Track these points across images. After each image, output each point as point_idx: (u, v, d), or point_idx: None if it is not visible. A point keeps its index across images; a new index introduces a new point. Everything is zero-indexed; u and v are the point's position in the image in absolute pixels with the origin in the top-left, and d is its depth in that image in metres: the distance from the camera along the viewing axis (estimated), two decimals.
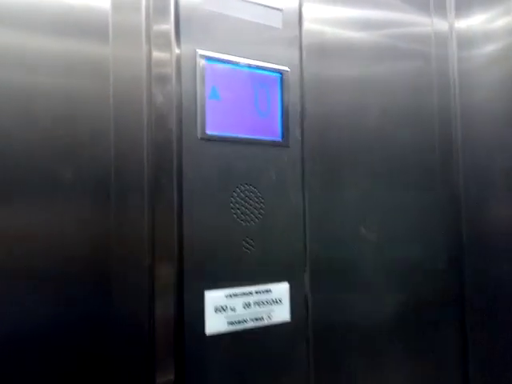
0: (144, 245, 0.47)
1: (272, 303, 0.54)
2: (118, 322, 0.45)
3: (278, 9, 0.56)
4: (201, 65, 0.49)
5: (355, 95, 0.65)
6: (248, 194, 0.53)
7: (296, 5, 0.58)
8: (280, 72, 0.56)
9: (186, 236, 0.48)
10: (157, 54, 0.48)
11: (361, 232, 0.67)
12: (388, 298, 0.68)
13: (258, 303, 0.53)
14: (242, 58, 0.53)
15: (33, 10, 0.43)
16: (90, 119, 0.45)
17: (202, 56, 0.49)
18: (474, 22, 0.77)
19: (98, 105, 0.45)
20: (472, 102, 0.76)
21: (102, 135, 0.45)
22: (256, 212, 0.53)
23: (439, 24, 0.74)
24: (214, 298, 0.49)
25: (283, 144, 0.56)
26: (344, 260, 0.64)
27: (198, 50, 0.49)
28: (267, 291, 0.54)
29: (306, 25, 0.61)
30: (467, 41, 0.76)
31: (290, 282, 0.56)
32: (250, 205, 0.53)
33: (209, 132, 0.50)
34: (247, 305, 0.52)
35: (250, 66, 0.53)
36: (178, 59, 0.49)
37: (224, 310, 0.50)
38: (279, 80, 0.56)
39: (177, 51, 0.49)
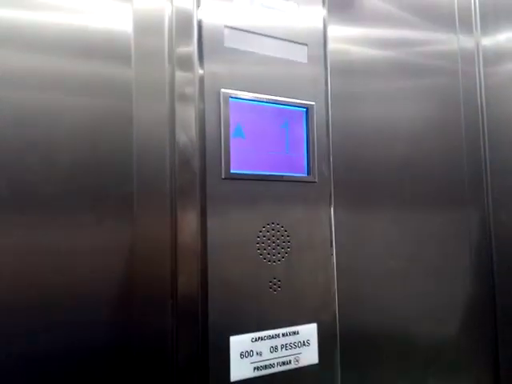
0: (167, 288, 0.46)
1: (300, 345, 0.52)
2: (139, 364, 0.44)
3: (303, 43, 0.56)
4: (225, 104, 0.49)
5: (382, 118, 0.64)
6: (274, 232, 0.51)
7: (321, 39, 0.57)
8: (305, 107, 0.55)
9: (210, 279, 0.47)
10: (181, 93, 0.48)
11: (389, 265, 0.65)
12: (420, 334, 0.65)
13: (285, 346, 0.51)
14: (266, 95, 0.52)
15: (55, 35, 0.43)
16: (112, 140, 0.45)
17: (226, 95, 0.49)
18: (500, 38, 0.78)
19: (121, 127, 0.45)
20: (499, 117, 0.75)
21: (124, 160, 0.45)
22: (283, 251, 0.52)
23: (465, 41, 0.74)
24: (239, 342, 0.48)
25: (309, 180, 0.54)
26: (374, 296, 0.61)
27: (222, 90, 0.49)
28: (294, 333, 0.52)
29: (332, 57, 0.60)
30: (493, 57, 0.76)
31: (318, 323, 0.54)
32: (277, 244, 0.51)
33: (233, 171, 0.49)
34: (274, 348, 0.50)
35: (274, 102, 0.53)
36: (202, 99, 0.48)
37: (250, 354, 0.49)
38: (304, 115, 0.55)
39: (201, 88, 0.48)
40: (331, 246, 0.56)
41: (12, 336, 0.40)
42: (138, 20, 0.47)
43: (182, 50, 0.48)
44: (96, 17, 0.46)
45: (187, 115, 0.48)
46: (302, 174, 0.54)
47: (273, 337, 0.50)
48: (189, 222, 0.47)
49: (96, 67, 0.45)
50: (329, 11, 0.60)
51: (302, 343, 0.52)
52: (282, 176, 0.52)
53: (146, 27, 0.47)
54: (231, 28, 0.50)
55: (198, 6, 0.49)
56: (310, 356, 0.53)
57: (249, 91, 0.51)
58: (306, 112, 0.55)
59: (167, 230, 0.47)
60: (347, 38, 0.63)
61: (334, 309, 0.56)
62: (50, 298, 0.41)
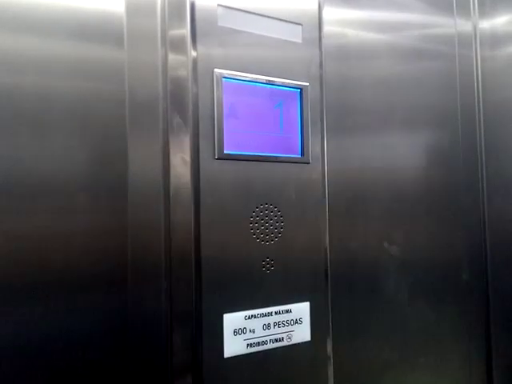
0: (161, 267, 0.46)
1: (292, 323, 0.53)
2: (135, 344, 0.45)
3: (297, 23, 0.55)
4: (218, 84, 0.49)
5: (380, 96, 0.64)
6: (267, 212, 0.52)
7: (316, 19, 0.57)
8: (299, 87, 0.55)
9: (203, 258, 0.47)
10: (173, 74, 0.48)
11: (384, 247, 0.66)
12: (412, 314, 0.66)
13: (277, 324, 0.52)
14: (260, 75, 0.52)
15: (46, 16, 0.43)
16: (104, 122, 0.45)
17: (220, 75, 0.49)
18: (498, 22, 0.77)
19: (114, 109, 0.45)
20: (495, 101, 0.75)
21: (117, 141, 0.45)
22: (276, 231, 0.52)
23: (463, 25, 0.73)
24: (232, 320, 0.49)
25: (303, 161, 0.55)
26: (366, 277, 0.62)
27: (215, 70, 0.49)
28: (287, 311, 0.53)
29: (327, 33, 0.60)
30: (491, 41, 0.76)
31: (310, 302, 0.55)
32: (270, 224, 0.52)
33: (226, 151, 0.49)
34: (267, 326, 0.51)
35: (268, 83, 0.52)
36: (195, 79, 0.48)
37: (243, 332, 0.49)
38: (299, 96, 0.55)
39: (194, 70, 0.48)
40: (324, 226, 0.57)
41: (8, 318, 0.40)
42: (130, 1, 0.47)
43: (175, 31, 0.48)
44: None
45: (181, 96, 0.48)
46: (296, 155, 0.54)
47: (265, 315, 0.51)
48: (182, 201, 0.47)
49: (88, 49, 0.45)
50: None
51: (295, 321, 0.53)
52: (276, 157, 0.53)
53: (138, 8, 0.47)
54: (225, 7, 0.50)
55: None
56: (302, 333, 0.54)
57: (243, 71, 0.51)
58: (300, 93, 0.55)
59: (161, 209, 0.47)
60: (343, 21, 0.62)
61: (327, 288, 0.57)
62: (47, 280, 0.42)
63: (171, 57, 0.48)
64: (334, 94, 0.60)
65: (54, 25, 0.43)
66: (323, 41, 0.59)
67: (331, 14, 0.61)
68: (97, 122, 0.45)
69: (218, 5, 0.49)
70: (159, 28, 0.48)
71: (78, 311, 0.43)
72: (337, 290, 0.59)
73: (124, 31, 0.46)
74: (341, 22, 0.62)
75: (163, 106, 0.47)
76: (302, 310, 0.54)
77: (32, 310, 0.41)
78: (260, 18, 0.52)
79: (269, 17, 0.53)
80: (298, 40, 0.55)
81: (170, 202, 0.47)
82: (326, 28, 0.60)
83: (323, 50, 0.58)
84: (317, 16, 0.57)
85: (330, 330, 0.57)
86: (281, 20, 0.54)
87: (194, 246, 0.47)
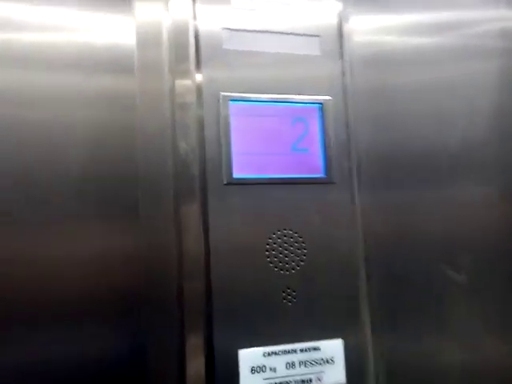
0: (172, 298, 0.45)
1: (322, 363, 0.47)
2: (147, 375, 0.43)
3: (314, 35, 0.52)
4: (224, 108, 0.47)
5: (430, 106, 0.57)
6: (286, 239, 0.48)
7: (335, 29, 0.53)
8: (319, 102, 0.51)
9: (214, 289, 0.45)
10: (180, 100, 0.47)
11: (446, 273, 0.57)
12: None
13: (303, 363, 0.47)
14: (273, 94, 0.49)
15: (63, 52, 0.45)
16: (116, 151, 0.46)
17: (226, 98, 0.47)
18: None
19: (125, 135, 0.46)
20: None
21: (129, 169, 0.45)
22: (297, 259, 0.48)
23: None
24: (249, 356, 0.45)
25: (327, 181, 0.50)
26: (418, 309, 0.54)
27: (221, 93, 0.47)
28: (315, 349, 0.47)
29: (360, 42, 0.55)
30: None
31: (344, 338, 0.48)
32: (290, 251, 0.48)
33: (236, 175, 0.47)
34: (291, 365, 0.46)
35: (282, 101, 0.50)
36: (201, 104, 0.47)
37: (262, 370, 0.45)
38: (319, 111, 0.51)
39: (200, 95, 0.47)
40: (358, 250, 0.51)
41: (23, 343, 0.41)
42: (140, 32, 0.48)
43: (181, 58, 0.48)
44: (101, 33, 0.47)
45: (188, 122, 0.47)
46: (319, 175, 0.50)
47: (288, 352, 0.46)
48: (192, 230, 0.46)
49: (102, 81, 0.46)
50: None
51: (325, 360, 0.48)
52: (294, 178, 0.49)
53: (147, 39, 0.48)
54: (230, 29, 0.48)
55: (195, 13, 0.48)
56: (334, 375, 0.48)
57: (253, 92, 0.49)
58: (321, 108, 0.51)
59: (172, 239, 0.46)
60: (377, 28, 0.58)
61: (365, 322, 0.50)
62: (58, 304, 0.42)
63: (178, 83, 0.48)
64: (370, 104, 0.55)
65: (70, 60, 0.46)
66: (356, 51, 0.55)
67: (363, 22, 0.57)
68: (109, 148, 0.45)
69: (223, 28, 0.48)
70: (166, 56, 0.48)
71: (89, 338, 0.42)
72: (381, 326, 0.52)
73: (135, 62, 0.47)
74: (376, 30, 0.57)
75: (171, 132, 0.47)
76: (333, 347, 0.48)
77: (41, 337, 0.41)
78: (270, 35, 0.50)
79: (280, 33, 0.51)
80: (316, 53, 0.52)
81: (180, 230, 0.46)
82: (358, 37, 0.56)
83: (349, 59, 0.54)
84: (336, 26, 0.53)
85: (371, 371, 0.50)
86: (294, 34, 0.51)
87: (204, 277, 0.45)
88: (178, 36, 0.48)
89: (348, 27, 0.55)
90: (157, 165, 0.47)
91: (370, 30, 0.57)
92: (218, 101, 0.47)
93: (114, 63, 0.47)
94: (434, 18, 0.60)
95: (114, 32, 0.48)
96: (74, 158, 0.45)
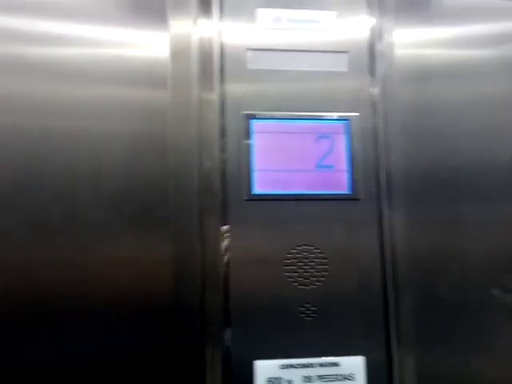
0: (195, 308, 0.47)
1: (341, 379, 0.48)
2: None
3: (342, 51, 0.52)
4: (246, 126, 0.49)
5: (481, 120, 0.55)
6: (306, 254, 0.49)
7: (364, 44, 0.53)
8: (346, 118, 0.51)
9: (232, 300, 0.47)
10: (205, 116, 0.50)
11: (495, 294, 0.54)
12: None
13: (321, 377, 0.47)
14: (296, 112, 0.50)
15: (105, 65, 0.49)
16: (150, 165, 0.49)
17: (248, 116, 0.49)
18: None
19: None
20: None
21: (161, 183, 0.48)
22: (317, 274, 0.49)
23: None
24: (265, 368, 0.47)
25: (352, 197, 0.50)
26: (451, 327, 0.52)
27: (243, 112, 0.49)
28: (334, 364, 0.48)
29: (401, 56, 0.54)
30: None
31: (365, 355, 0.48)
32: (310, 266, 0.49)
33: (256, 191, 0.48)
34: (308, 378, 0.47)
35: (306, 118, 0.50)
36: (224, 121, 0.49)
37: (278, 382, 0.47)
38: (345, 127, 0.51)
39: (223, 113, 0.50)
40: (382, 268, 0.50)
41: (57, 344, 0.46)
42: (173, 46, 0.51)
43: (207, 74, 0.50)
44: (140, 47, 0.50)
45: (211, 138, 0.50)
46: (343, 192, 0.50)
47: (306, 366, 0.47)
48: (213, 243, 0.48)
49: (138, 93, 0.49)
50: (397, 12, 0.55)
51: (344, 377, 0.48)
52: (317, 194, 0.50)
53: (178, 52, 0.51)
54: (254, 50, 0.50)
55: (220, 31, 0.51)
56: None
57: (276, 110, 0.50)
58: (348, 124, 0.51)
59: (196, 251, 0.48)
60: (422, 41, 0.56)
61: (388, 340, 0.49)
62: (92, 305, 0.47)
63: (203, 99, 0.50)
64: (411, 119, 0.54)
65: (112, 74, 0.49)
66: (396, 65, 0.54)
67: (406, 35, 0.55)
68: (144, 161, 0.48)
69: (247, 49, 0.50)
70: (195, 70, 0.50)
71: (122, 337, 0.46)
72: (406, 344, 0.51)
73: (168, 74, 0.50)
74: (420, 43, 0.56)
75: (198, 148, 0.49)
76: (353, 364, 0.48)
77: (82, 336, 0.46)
78: (295, 53, 0.51)
79: (306, 51, 0.51)
80: (343, 69, 0.52)
81: (204, 242, 0.48)
82: (400, 51, 0.55)
83: (382, 74, 0.53)
84: (366, 41, 0.53)
85: None
86: (321, 51, 0.52)
87: (222, 289, 0.47)
88: (204, 52, 0.50)
89: (386, 41, 0.54)
90: (185, 179, 0.49)
91: (413, 43, 0.55)
92: (241, 119, 0.49)
93: (149, 75, 0.50)
94: (483, 30, 0.57)
95: (152, 46, 0.50)
96: (112, 170, 0.48)
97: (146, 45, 0.51)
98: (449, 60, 0.56)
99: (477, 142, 0.55)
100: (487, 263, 0.54)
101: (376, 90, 0.53)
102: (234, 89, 0.50)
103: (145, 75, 0.50)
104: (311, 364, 0.47)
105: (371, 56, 0.53)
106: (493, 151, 0.55)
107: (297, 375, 0.47)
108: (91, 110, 0.49)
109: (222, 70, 0.50)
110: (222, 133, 0.50)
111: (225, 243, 0.48)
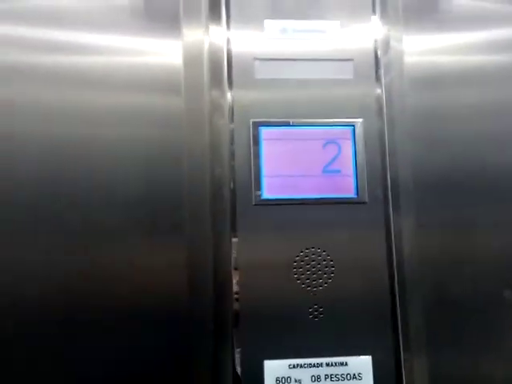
0: (208, 311, 0.49)
1: (349, 378, 0.49)
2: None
3: (347, 59, 0.54)
4: (255, 133, 0.51)
5: (492, 126, 0.56)
6: (314, 257, 0.50)
7: (370, 51, 0.54)
8: (352, 124, 0.52)
9: (243, 303, 0.48)
10: (215, 122, 0.51)
11: (505, 296, 0.55)
12: None
13: (329, 377, 0.49)
14: (304, 118, 0.52)
15: (120, 73, 0.51)
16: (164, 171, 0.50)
17: (256, 124, 0.51)
18: None
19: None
20: None
21: (175, 190, 0.50)
22: (325, 276, 0.50)
23: None
24: (274, 368, 0.48)
25: (358, 201, 0.51)
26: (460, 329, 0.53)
27: (252, 120, 0.51)
28: (342, 364, 0.49)
29: (410, 63, 0.56)
30: None
31: (373, 355, 0.49)
32: (317, 269, 0.50)
33: (265, 196, 0.50)
34: (316, 378, 0.49)
35: (314, 124, 0.52)
36: (233, 128, 0.51)
37: (287, 381, 0.48)
38: (351, 133, 0.52)
39: (231, 120, 0.51)
40: (389, 270, 0.51)
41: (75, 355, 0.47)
42: (186, 53, 0.52)
43: (216, 81, 0.52)
44: (156, 55, 0.52)
45: (223, 145, 0.51)
46: (349, 195, 0.52)
47: (314, 365, 0.49)
48: (224, 248, 0.50)
49: (156, 99, 0.51)
50: (405, 19, 0.56)
51: (352, 376, 0.49)
52: (324, 198, 0.51)
53: (191, 59, 0.52)
54: (261, 59, 0.52)
55: (228, 39, 0.52)
56: None
57: (283, 117, 0.52)
58: (354, 130, 0.52)
59: (209, 256, 0.50)
60: (431, 48, 0.57)
61: (396, 341, 0.50)
62: (108, 310, 0.49)
63: (214, 106, 0.52)
64: (421, 125, 0.55)
65: (131, 81, 0.51)
66: (406, 72, 0.55)
67: (415, 42, 0.56)
68: (160, 167, 0.50)
69: (255, 58, 0.52)
70: (207, 77, 0.52)
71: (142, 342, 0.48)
72: (414, 345, 0.51)
73: (181, 80, 0.52)
74: (430, 50, 0.57)
75: (210, 155, 0.51)
76: (361, 364, 0.49)
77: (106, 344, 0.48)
78: (301, 62, 0.53)
79: (312, 59, 0.53)
80: (349, 76, 0.53)
81: (216, 247, 0.50)
82: (410, 58, 0.56)
83: (389, 81, 0.54)
84: (372, 49, 0.54)
85: None
86: (327, 60, 0.53)
87: (233, 290, 0.49)
88: (214, 60, 0.52)
89: (394, 48, 0.55)
90: (198, 185, 0.51)
91: (423, 50, 0.56)
92: (249, 126, 0.51)
93: (166, 82, 0.51)
94: (493, 36, 0.58)
95: (167, 54, 0.52)
96: (129, 177, 0.50)
97: (162, 53, 0.52)
98: (461, 66, 0.56)
99: (487, 148, 0.55)
100: (498, 265, 0.55)
101: (382, 96, 0.54)
102: (243, 97, 0.52)
103: (162, 82, 0.51)
104: (319, 364, 0.49)
105: (377, 63, 0.54)
106: (505, 157, 0.56)
107: (305, 374, 0.48)
108: (112, 117, 0.50)
109: (229, 76, 0.52)
110: (232, 140, 0.51)
111: (235, 247, 0.49)
